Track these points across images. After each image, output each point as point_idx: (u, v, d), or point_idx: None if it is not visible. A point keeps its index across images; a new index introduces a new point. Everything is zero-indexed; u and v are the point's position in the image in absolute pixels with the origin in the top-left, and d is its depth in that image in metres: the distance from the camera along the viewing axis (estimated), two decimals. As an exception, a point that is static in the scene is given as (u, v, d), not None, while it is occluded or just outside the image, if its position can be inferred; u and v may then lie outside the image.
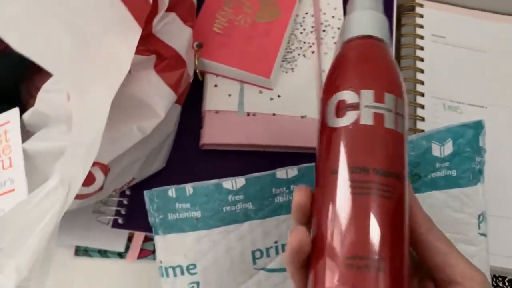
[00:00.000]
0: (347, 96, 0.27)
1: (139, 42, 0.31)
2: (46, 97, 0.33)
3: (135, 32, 0.30)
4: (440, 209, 0.39)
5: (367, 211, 0.25)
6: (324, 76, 0.47)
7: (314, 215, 0.27)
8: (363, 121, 0.26)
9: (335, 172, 0.26)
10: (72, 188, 0.27)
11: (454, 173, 0.39)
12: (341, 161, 0.26)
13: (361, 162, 0.26)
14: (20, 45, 0.26)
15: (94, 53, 0.28)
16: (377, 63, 0.28)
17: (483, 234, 0.40)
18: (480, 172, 0.40)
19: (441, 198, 0.39)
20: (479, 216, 0.40)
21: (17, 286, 0.26)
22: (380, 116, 0.26)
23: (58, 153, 0.33)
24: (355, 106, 0.27)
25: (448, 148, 0.38)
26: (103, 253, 0.46)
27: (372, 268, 0.24)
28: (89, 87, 0.27)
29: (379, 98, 0.27)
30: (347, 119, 0.27)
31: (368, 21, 0.30)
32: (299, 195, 0.27)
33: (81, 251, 0.47)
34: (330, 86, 0.29)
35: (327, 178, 0.26)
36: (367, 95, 0.27)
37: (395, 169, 0.26)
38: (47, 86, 0.33)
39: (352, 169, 0.26)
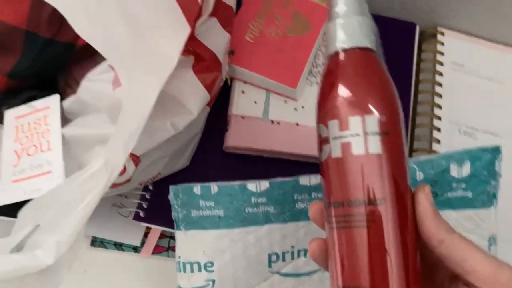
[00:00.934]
0: (320, 129, 0.27)
1: (183, 42, 0.33)
2: (90, 86, 0.35)
3: (185, 31, 0.31)
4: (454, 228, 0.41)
5: (348, 243, 0.26)
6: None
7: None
8: (333, 154, 0.26)
9: (326, 206, 0.28)
10: (113, 172, 0.28)
11: (469, 194, 0.40)
12: (325, 196, 0.27)
13: (337, 196, 0.26)
14: (82, 31, 0.27)
15: (147, 46, 0.30)
16: (342, 83, 0.27)
17: (493, 257, 0.41)
18: (494, 196, 0.41)
19: (455, 218, 0.40)
20: (489, 238, 0.41)
21: (55, 261, 0.27)
22: (347, 144, 0.26)
23: (96, 140, 0.35)
24: (327, 140, 0.27)
25: (466, 170, 0.40)
26: (119, 246, 0.47)
27: None
28: (139, 77, 0.29)
29: (342, 126, 0.26)
30: (324, 154, 0.27)
31: (353, 29, 0.27)
32: (312, 208, 0.29)
33: (97, 242, 0.48)
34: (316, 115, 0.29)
35: (324, 212, 0.28)
36: (333, 126, 0.26)
37: (370, 196, 0.26)
38: (91, 75, 0.35)
39: (332, 204, 0.27)
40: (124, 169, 0.37)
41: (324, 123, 0.27)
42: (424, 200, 0.27)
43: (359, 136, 0.26)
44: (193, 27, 0.33)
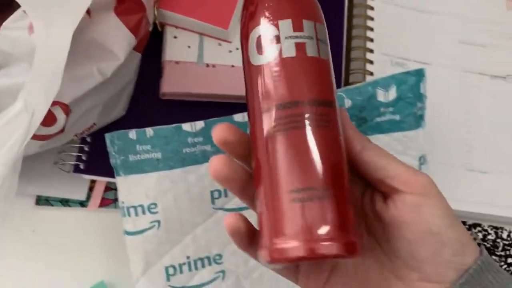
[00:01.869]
0: (267, 29, 0.26)
1: (99, -16, 0.32)
2: (7, 34, 0.34)
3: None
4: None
5: (303, 143, 0.25)
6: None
7: (253, 157, 0.27)
8: (285, 54, 0.26)
9: (267, 110, 0.26)
10: (35, 114, 0.28)
11: (397, 117, 0.42)
12: (269, 99, 0.26)
13: (290, 97, 0.26)
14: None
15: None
16: None
17: (424, 175, 0.44)
18: (421, 117, 0.43)
19: (386, 141, 0.42)
20: (420, 158, 0.43)
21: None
22: (301, 45, 0.26)
23: (20, 89, 0.34)
24: (276, 39, 0.26)
25: (392, 93, 0.42)
26: (65, 202, 0.47)
27: (315, 199, 0.24)
28: (51, 18, 0.28)
29: (298, 27, 0.26)
30: (270, 55, 0.26)
31: None
32: (219, 131, 0.28)
33: (42, 201, 0.47)
34: (248, 19, 0.27)
35: (260, 117, 0.26)
36: (286, 26, 0.26)
37: (325, 97, 0.26)
38: (7, 23, 0.34)
39: (283, 105, 0.26)
40: (55, 118, 0.36)
41: (272, 21, 0.26)
42: (345, 114, 0.29)
43: (312, 39, 0.26)
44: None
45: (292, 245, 0.24)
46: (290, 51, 0.26)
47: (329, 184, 0.25)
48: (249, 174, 0.28)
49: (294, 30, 0.26)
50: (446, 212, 0.27)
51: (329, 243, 0.24)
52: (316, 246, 0.24)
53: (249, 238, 0.28)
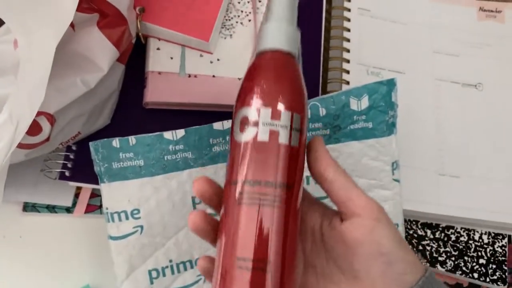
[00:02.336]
0: (250, 112, 0.30)
1: (83, 1, 0.34)
2: (-7, 48, 0.35)
3: (78, -14, 0.32)
4: (359, 157, 0.45)
5: (255, 219, 0.28)
6: (260, 42, 0.51)
7: (220, 217, 0.31)
8: (260, 138, 0.29)
9: (234, 183, 0.30)
10: (20, 125, 0.30)
11: (370, 125, 0.44)
12: (239, 174, 0.29)
13: (254, 176, 0.29)
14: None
15: (40, 2, 0.30)
16: (280, 80, 0.30)
17: (396, 180, 0.46)
18: (393, 124, 0.45)
19: (359, 147, 0.44)
20: (392, 163, 0.45)
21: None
22: (275, 132, 0.29)
23: (6, 100, 0.36)
24: (255, 123, 0.29)
25: (364, 102, 0.44)
26: (51, 209, 0.49)
27: (261, 270, 0.28)
28: (35, 33, 0.30)
29: (275, 116, 0.29)
30: (248, 135, 0.29)
31: (280, 35, 0.31)
32: (198, 184, 0.32)
33: (29, 207, 0.49)
34: (239, 99, 0.31)
35: (228, 188, 0.30)
36: (265, 113, 0.29)
37: (285, 180, 0.29)
38: (-7, 38, 0.36)
39: (247, 182, 0.29)
40: (40, 128, 0.38)
41: (256, 107, 0.29)
42: (319, 145, 0.32)
43: (287, 128, 0.29)
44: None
45: None
46: (264, 136, 0.29)
47: (276, 259, 0.28)
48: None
49: (272, 118, 0.29)
50: (395, 235, 0.30)
51: None
52: None
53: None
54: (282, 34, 0.31)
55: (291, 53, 0.31)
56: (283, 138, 0.29)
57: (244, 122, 0.30)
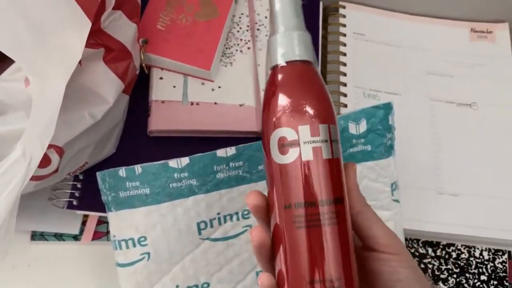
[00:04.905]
0: (287, 133, 0.29)
1: (89, 36, 0.35)
2: (4, 86, 0.37)
3: (86, 25, 0.34)
4: (359, 179, 0.46)
5: (319, 241, 0.28)
6: (259, 69, 0.53)
7: (275, 249, 0.30)
8: (304, 157, 0.28)
9: (288, 207, 0.29)
10: (32, 160, 0.31)
11: (369, 148, 0.45)
12: (292, 197, 0.28)
13: (308, 197, 0.28)
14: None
15: (50, 44, 0.32)
16: (309, 94, 0.29)
17: (396, 200, 0.47)
18: (391, 147, 0.46)
19: (359, 170, 0.46)
20: (392, 184, 0.46)
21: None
22: (318, 149, 0.28)
23: (17, 136, 0.37)
24: (295, 143, 0.28)
25: (363, 126, 0.45)
26: (59, 237, 0.50)
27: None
28: (46, 73, 0.31)
29: (314, 132, 0.28)
30: (291, 156, 0.28)
31: (295, 44, 0.30)
32: (253, 198, 0.30)
33: (37, 236, 0.50)
34: (268, 120, 0.30)
35: (282, 212, 0.29)
36: (304, 131, 0.28)
37: (337, 195, 0.29)
38: (4, 76, 0.37)
39: (301, 204, 0.28)
40: (49, 160, 0.39)
41: (293, 127, 0.28)
42: (353, 176, 0.32)
43: (327, 142, 0.29)
44: (95, 21, 0.36)
45: None
46: (308, 155, 0.28)
47: (341, 276, 0.28)
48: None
49: (312, 135, 0.28)
50: (411, 264, 0.32)
51: None
52: None
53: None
54: (296, 43, 0.30)
55: (309, 61, 0.30)
56: (326, 153, 0.28)
57: (283, 143, 0.29)
